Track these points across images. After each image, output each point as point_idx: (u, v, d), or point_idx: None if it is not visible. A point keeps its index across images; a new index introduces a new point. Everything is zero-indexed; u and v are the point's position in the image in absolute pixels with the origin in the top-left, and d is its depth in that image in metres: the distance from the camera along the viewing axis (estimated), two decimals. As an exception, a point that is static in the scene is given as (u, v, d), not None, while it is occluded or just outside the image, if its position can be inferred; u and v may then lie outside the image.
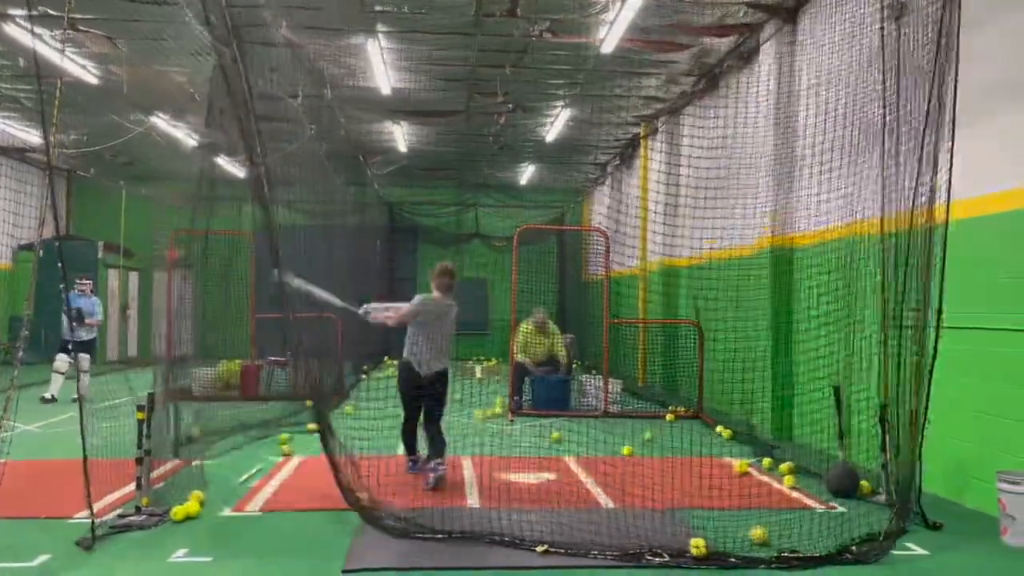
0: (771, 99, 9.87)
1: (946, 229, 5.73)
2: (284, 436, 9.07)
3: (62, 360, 12.39)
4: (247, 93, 5.47)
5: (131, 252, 20.52)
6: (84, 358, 12.53)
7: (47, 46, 10.45)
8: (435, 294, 7.43)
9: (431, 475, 7.01)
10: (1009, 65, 6.26)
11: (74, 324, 12.43)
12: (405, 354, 7.35)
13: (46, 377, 14.26)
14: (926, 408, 5.78)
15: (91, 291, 13.11)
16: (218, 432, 8.95)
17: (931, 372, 5.76)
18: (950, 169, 5.58)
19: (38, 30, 10.28)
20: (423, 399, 7.30)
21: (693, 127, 11.37)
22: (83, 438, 5.33)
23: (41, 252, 9.30)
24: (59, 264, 5.21)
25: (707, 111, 11.77)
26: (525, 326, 12.39)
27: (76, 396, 12.10)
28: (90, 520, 5.42)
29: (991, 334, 6.36)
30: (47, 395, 12.36)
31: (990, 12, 6.35)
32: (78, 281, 12.96)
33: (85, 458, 5.34)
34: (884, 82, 6.63)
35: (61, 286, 5.24)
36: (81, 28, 10.57)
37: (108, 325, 19.09)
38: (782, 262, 9.74)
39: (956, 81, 5.54)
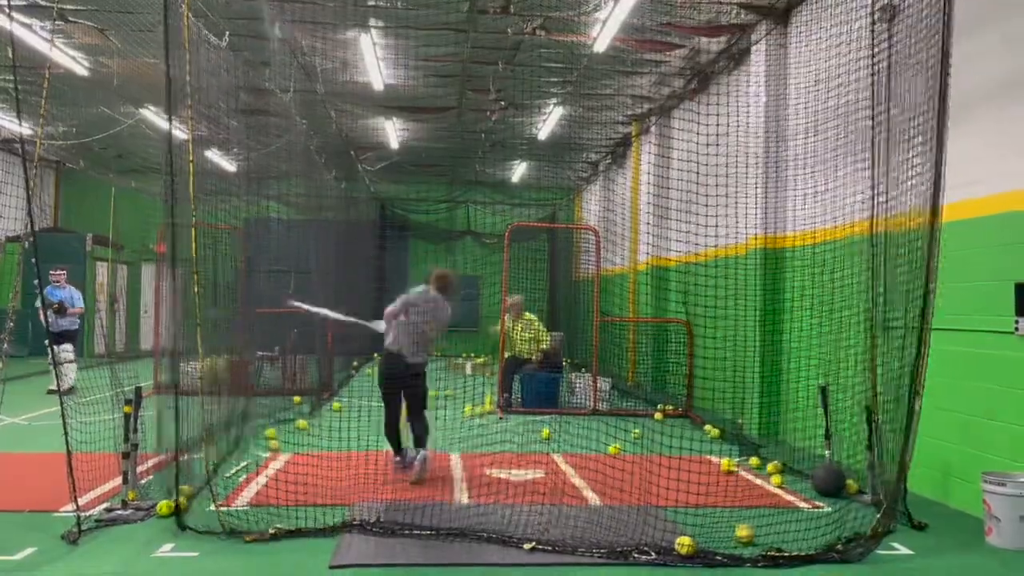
0: (762, 100, 9.90)
1: (932, 231, 5.75)
2: (272, 431, 9.04)
3: (66, 351, 12.37)
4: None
5: (120, 245, 20.42)
6: (68, 348, 12.54)
7: (37, 36, 10.39)
8: (424, 288, 7.64)
9: (416, 467, 7.06)
10: (996, 70, 6.30)
11: (56, 315, 12.46)
12: (388, 343, 7.50)
13: (32, 370, 14.21)
14: (914, 409, 5.81)
15: (65, 281, 13.09)
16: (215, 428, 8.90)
17: (918, 373, 5.79)
18: (938, 172, 5.61)
19: (28, 20, 10.22)
20: (405, 392, 7.45)
21: (684, 127, 11.38)
22: (65, 432, 5.29)
23: (27, 244, 9.19)
24: (33, 260, 5.17)
25: (699, 111, 11.79)
26: (508, 321, 12.36)
27: (50, 389, 12.13)
28: (76, 514, 5.39)
29: (976, 336, 6.40)
30: (66, 386, 12.38)
31: (976, 19, 6.38)
32: (52, 273, 12.94)
33: (69, 452, 5.31)
34: (874, 84, 6.66)
35: (36, 281, 5.21)
36: (71, 19, 10.50)
37: (95, 318, 18.99)
38: (771, 262, 9.78)
39: (947, 84, 5.56)
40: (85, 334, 14.56)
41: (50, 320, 12.40)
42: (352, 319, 8.18)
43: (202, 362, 6.13)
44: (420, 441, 7.37)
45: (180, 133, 6.37)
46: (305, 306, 8.36)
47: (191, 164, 6.09)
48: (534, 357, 12.04)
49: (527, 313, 12.60)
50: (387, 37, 11.36)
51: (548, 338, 12.47)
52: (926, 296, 5.61)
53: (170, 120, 6.08)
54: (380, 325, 7.67)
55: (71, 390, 12.11)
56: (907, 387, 5.71)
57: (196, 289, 6.12)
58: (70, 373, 12.38)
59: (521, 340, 12.17)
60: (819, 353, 8.30)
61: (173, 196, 5.94)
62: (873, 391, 6.48)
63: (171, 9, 5.91)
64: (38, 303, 12.41)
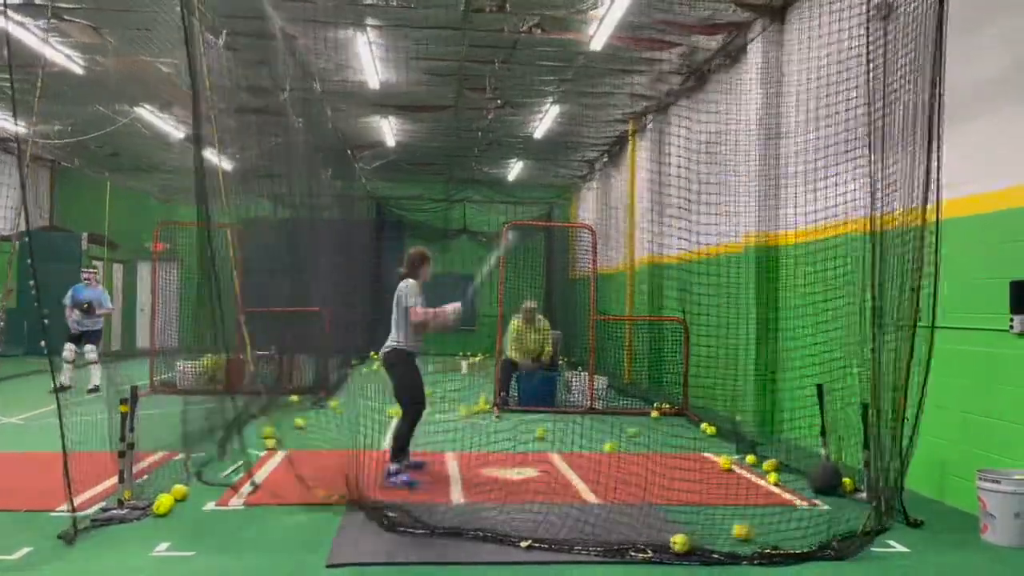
0: (758, 97, 9.91)
1: (934, 229, 5.76)
2: (269, 430, 9.03)
3: (68, 349, 12.42)
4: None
5: (115, 244, 20.39)
6: (91, 348, 12.63)
7: (32, 35, 10.36)
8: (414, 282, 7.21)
9: (404, 477, 6.98)
10: (991, 68, 6.31)
11: (84, 315, 12.54)
12: (402, 344, 7.09)
13: (28, 369, 14.18)
14: (918, 406, 5.82)
15: (96, 281, 13.17)
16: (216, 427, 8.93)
17: (927, 371, 5.79)
18: (938, 170, 5.63)
19: (23, 19, 10.18)
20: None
21: (681, 125, 11.40)
22: (62, 432, 5.28)
23: (16, 244, 9.19)
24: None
25: (695, 109, 11.81)
26: (515, 322, 12.35)
27: (91, 387, 12.20)
28: (71, 514, 5.39)
29: (972, 334, 6.41)
30: (92, 384, 12.50)
31: (972, 16, 6.39)
32: (84, 271, 13.08)
33: (64, 454, 5.30)
34: (870, 82, 6.66)
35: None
36: (66, 17, 10.47)
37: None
38: (768, 260, 9.79)
39: (942, 82, 5.58)
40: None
41: (76, 319, 12.51)
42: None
43: (212, 359, 6.14)
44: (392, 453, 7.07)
45: (179, 134, 6.36)
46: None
47: (221, 179, 6.01)
48: (522, 357, 12.08)
49: (540, 317, 12.62)
50: (383, 36, 11.35)
51: (549, 339, 12.49)
52: (928, 293, 5.63)
53: (197, 122, 5.99)
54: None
55: (95, 389, 12.18)
56: (904, 386, 5.73)
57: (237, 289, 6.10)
58: (96, 373, 12.46)
59: (533, 342, 12.19)
60: (815, 351, 8.31)
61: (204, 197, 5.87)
62: (870, 389, 6.48)
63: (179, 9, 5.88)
64: (66, 300, 12.54)
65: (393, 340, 7.13)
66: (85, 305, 12.60)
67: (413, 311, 6.99)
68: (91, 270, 13.22)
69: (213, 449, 7.79)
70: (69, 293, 12.67)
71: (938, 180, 5.61)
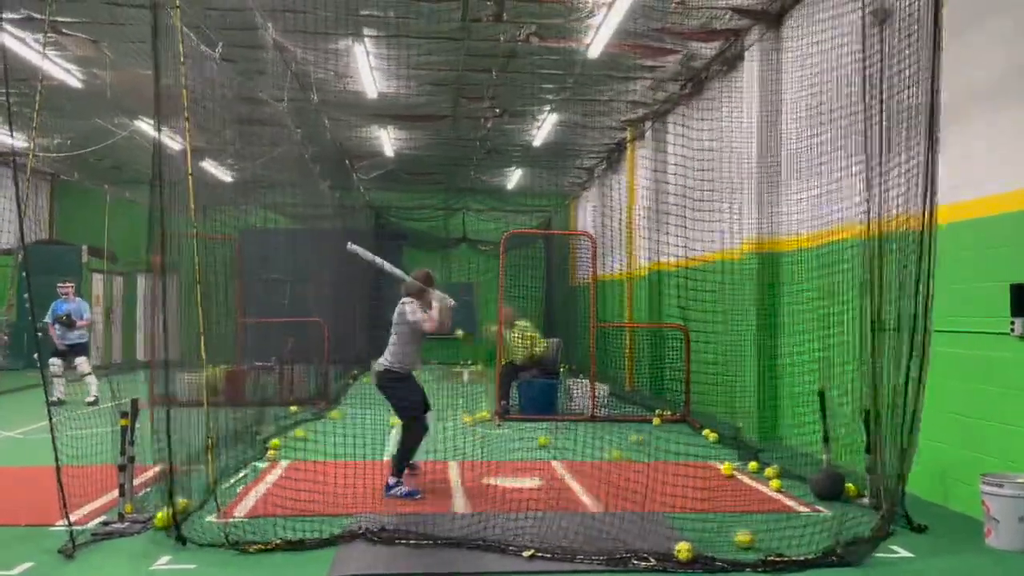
0: (756, 103, 9.92)
1: (929, 233, 5.76)
2: (276, 442, 9.00)
3: (55, 364, 12.37)
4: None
5: (115, 256, 20.38)
6: (82, 361, 12.56)
7: (29, 48, 10.38)
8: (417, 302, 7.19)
9: (404, 489, 6.95)
10: (991, 71, 6.31)
11: (65, 328, 12.47)
12: (400, 364, 7.04)
13: (28, 383, 14.15)
14: (915, 412, 5.81)
15: (73, 294, 13.07)
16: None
17: (921, 375, 5.79)
18: (933, 174, 5.63)
19: (21, 33, 10.21)
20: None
21: (679, 131, 11.42)
22: (54, 446, 5.26)
23: (20, 257, 9.16)
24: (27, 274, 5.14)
25: (693, 115, 11.83)
26: (507, 332, 12.36)
27: (90, 400, 12.17)
28: (69, 528, 5.37)
29: (973, 337, 6.40)
30: (53, 398, 12.38)
31: (969, 19, 6.41)
32: (60, 286, 12.90)
33: (58, 466, 5.29)
34: (866, 87, 6.67)
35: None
36: (64, 31, 10.49)
37: (92, 328, 18.95)
38: (768, 266, 9.78)
39: (938, 87, 5.58)
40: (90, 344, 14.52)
41: (59, 334, 12.45)
42: (400, 273, 7.44)
43: (205, 372, 6.11)
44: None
45: (175, 143, 6.37)
46: (363, 252, 7.66)
47: (190, 177, 6.08)
48: (523, 357, 12.06)
49: (519, 321, 12.60)
50: (381, 46, 11.37)
51: (542, 344, 12.44)
52: (925, 299, 5.63)
53: (159, 129, 6.06)
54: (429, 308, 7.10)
55: (95, 402, 12.13)
56: (905, 391, 5.72)
57: (199, 299, 6.10)
58: (92, 384, 12.41)
59: (515, 348, 12.19)
60: (817, 356, 8.29)
61: (162, 206, 5.92)
62: (871, 394, 6.47)
63: (162, 20, 5.91)
64: (48, 318, 12.45)
65: (386, 360, 7.07)
66: (64, 317, 12.54)
67: (426, 322, 6.98)
68: (68, 283, 13.09)
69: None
70: (51, 309, 12.57)
71: (935, 183, 5.61)
